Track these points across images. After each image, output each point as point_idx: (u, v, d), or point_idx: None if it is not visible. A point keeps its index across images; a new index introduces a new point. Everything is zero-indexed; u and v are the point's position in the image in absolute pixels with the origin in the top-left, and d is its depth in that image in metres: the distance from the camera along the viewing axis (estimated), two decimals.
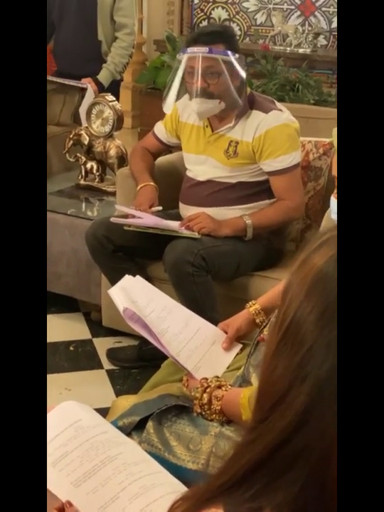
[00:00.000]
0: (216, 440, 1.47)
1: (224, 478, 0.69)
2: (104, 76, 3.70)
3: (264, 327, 1.58)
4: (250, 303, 1.76)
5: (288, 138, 2.44)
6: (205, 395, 1.50)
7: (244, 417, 1.43)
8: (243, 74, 2.46)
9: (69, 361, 2.72)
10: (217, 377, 1.57)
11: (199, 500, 0.73)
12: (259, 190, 2.53)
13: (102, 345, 2.84)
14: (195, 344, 1.70)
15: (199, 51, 2.36)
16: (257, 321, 1.73)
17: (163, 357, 2.21)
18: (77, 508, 1.12)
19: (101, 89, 3.61)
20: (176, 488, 1.22)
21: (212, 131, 2.53)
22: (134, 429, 1.53)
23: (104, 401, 2.48)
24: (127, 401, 1.64)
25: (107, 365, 2.72)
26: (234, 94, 2.42)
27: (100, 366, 2.72)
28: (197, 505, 0.74)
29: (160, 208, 2.57)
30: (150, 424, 1.51)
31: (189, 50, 2.39)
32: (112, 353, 2.77)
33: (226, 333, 1.74)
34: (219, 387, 1.52)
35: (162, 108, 2.65)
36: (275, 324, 0.72)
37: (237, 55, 2.42)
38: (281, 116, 2.46)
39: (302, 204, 2.54)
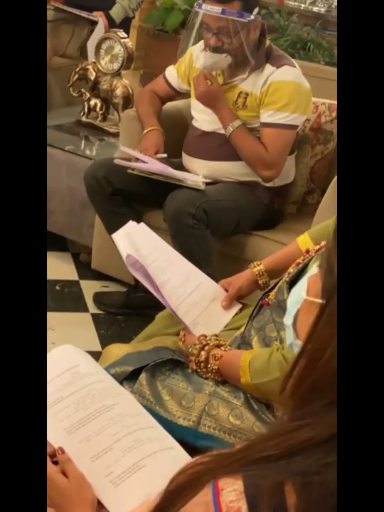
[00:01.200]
0: (210, 399, 1.44)
1: (268, 453, 0.66)
2: (116, 11, 3.57)
3: (270, 291, 1.54)
4: (254, 263, 1.72)
5: (290, 95, 2.37)
6: (202, 353, 1.47)
7: (243, 379, 1.40)
8: (257, 34, 2.37)
9: (54, 300, 2.67)
10: (216, 335, 1.54)
11: (220, 467, 0.70)
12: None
13: (89, 288, 2.79)
14: (195, 299, 1.66)
15: (212, 11, 2.29)
16: (260, 282, 1.69)
17: (151, 306, 2.18)
18: (68, 456, 1.09)
19: (112, 24, 3.49)
20: (170, 445, 1.19)
21: (225, 80, 2.45)
22: (125, 378, 1.50)
23: (87, 344, 2.45)
24: (120, 349, 1.61)
25: (93, 308, 2.68)
26: (246, 52, 2.35)
27: (85, 309, 2.67)
28: (215, 472, 0.71)
29: (165, 155, 2.50)
30: (143, 376, 1.48)
31: (203, 7, 2.32)
32: (98, 297, 2.72)
33: (227, 290, 1.70)
34: (218, 346, 1.49)
35: (168, 51, 2.57)
36: (331, 313, 0.66)
37: (252, 17, 2.32)
38: (291, 73, 2.39)
39: (276, 167, 2.42)
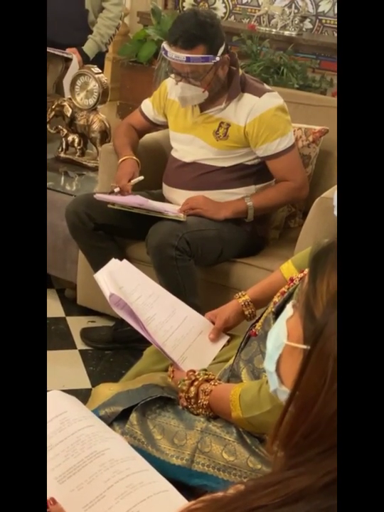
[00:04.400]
0: (202, 436, 1.42)
1: (265, 501, 0.65)
2: (89, 47, 3.59)
3: (257, 322, 1.53)
4: (239, 293, 1.71)
5: (278, 121, 2.39)
6: (192, 389, 1.46)
7: (234, 414, 1.38)
8: (226, 69, 2.37)
9: None
10: (205, 370, 1.52)
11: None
12: (244, 174, 2.47)
13: (76, 324, 2.77)
14: (182, 333, 1.65)
15: (178, 59, 2.29)
16: (246, 312, 1.68)
17: (138, 339, 2.16)
18: (60, 506, 1.07)
19: (86, 60, 3.50)
20: (164, 487, 1.17)
21: (201, 111, 2.46)
22: (116, 419, 1.48)
23: (77, 382, 2.43)
24: (109, 389, 1.59)
25: (80, 345, 2.66)
26: (219, 85, 2.37)
27: (73, 346, 2.65)
28: None
29: (141, 178, 2.49)
30: (133, 416, 1.46)
31: (169, 54, 2.30)
32: (85, 333, 2.70)
33: (213, 323, 1.69)
34: (207, 381, 1.47)
35: (143, 82, 2.59)
36: (316, 359, 0.66)
37: (217, 58, 2.31)
38: (274, 100, 2.41)
39: (306, 183, 2.48)
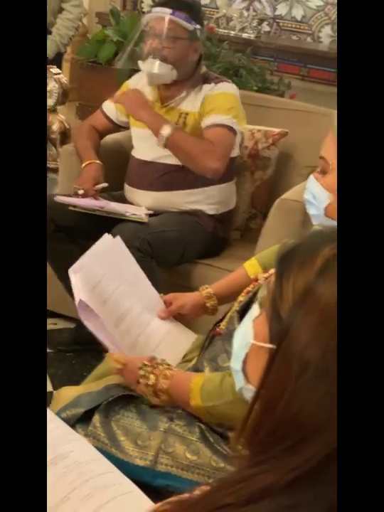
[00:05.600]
0: (165, 436, 1.43)
1: (230, 500, 0.66)
2: (49, 47, 3.57)
3: (221, 321, 1.54)
4: (203, 286, 1.71)
5: (231, 102, 2.43)
6: (152, 376, 1.44)
7: (193, 402, 1.38)
8: (196, 57, 2.43)
9: None
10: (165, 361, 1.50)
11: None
12: None
13: None
14: (153, 329, 1.63)
15: (161, 11, 2.37)
16: (208, 305, 1.68)
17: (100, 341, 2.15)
18: None
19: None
20: (129, 489, 1.17)
21: (162, 103, 2.48)
22: (78, 421, 1.48)
23: None
24: (71, 391, 1.58)
25: None
26: (188, 66, 2.40)
27: None
28: None
29: (105, 184, 2.49)
30: (96, 418, 1.46)
31: (153, 10, 2.41)
32: (47, 336, 2.67)
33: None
34: (168, 368, 1.46)
35: (102, 82, 2.61)
36: (281, 359, 0.67)
37: (198, 27, 2.39)
38: (231, 87, 2.47)
39: (222, 163, 2.36)
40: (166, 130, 2.33)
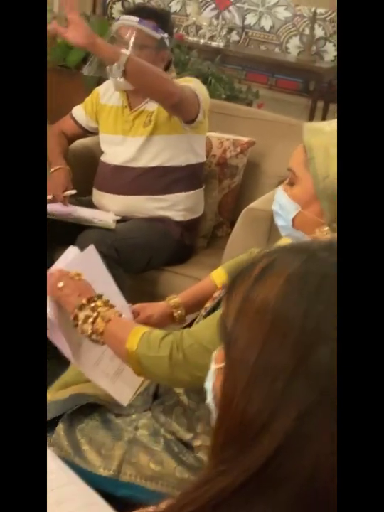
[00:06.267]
0: (129, 446, 1.42)
1: (192, 507, 0.67)
2: None
3: (187, 327, 1.54)
4: (171, 296, 1.71)
5: (195, 83, 2.43)
6: (88, 312, 1.39)
7: (128, 345, 1.34)
8: (163, 65, 2.43)
9: None
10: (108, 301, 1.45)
11: None
12: (176, 178, 2.48)
13: None
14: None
15: (129, 20, 2.38)
16: (175, 314, 1.67)
17: None
18: None
19: None
20: (92, 500, 1.16)
21: (131, 109, 2.48)
22: None
23: None
24: None
25: None
26: None
27: None
28: None
29: (74, 191, 2.48)
30: (60, 426, 1.44)
31: (121, 18, 2.41)
32: None
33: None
34: (108, 308, 1.41)
35: (71, 87, 2.59)
36: (228, 366, 0.71)
37: (165, 35, 2.40)
38: (192, 78, 2.48)
39: (179, 92, 2.26)
40: (124, 53, 2.18)
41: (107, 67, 2.27)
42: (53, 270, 1.50)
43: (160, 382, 1.43)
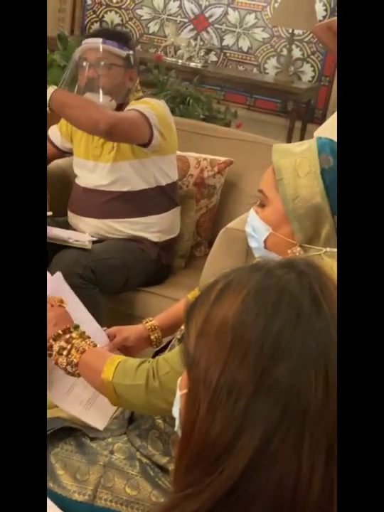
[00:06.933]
0: (105, 470, 1.40)
1: None
2: None
3: (163, 349, 1.53)
4: (147, 319, 1.70)
5: (149, 102, 2.39)
6: (63, 343, 1.39)
7: (104, 375, 1.33)
8: (133, 84, 2.45)
9: None
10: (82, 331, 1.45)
11: None
12: (148, 201, 2.47)
13: None
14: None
15: (93, 41, 2.40)
16: (152, 337, 1.67)
17: None
18: None
19: None
20: None
21: None
22: None
23: None
24: None
25: None
26: (125, 93, 2.40)
27: None
28: None
29: (50, 213, 2.46)
30: None
31: (84, 41, 2.44)
32: None
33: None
34: (82, 339, 1.41)
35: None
36: (190, 388, 0.71)
37: (131, 52, 2.43)
38: (153, 98, 2.47)
39: (108, 116, 2.21)
40: (49, 89, 2.18)
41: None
42: None
43: (137, 410, 1.42)
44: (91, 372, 1.37)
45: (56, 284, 1.62)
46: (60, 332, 1.38)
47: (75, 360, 1.36)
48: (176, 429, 0.78)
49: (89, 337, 1.42)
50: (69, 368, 1.37)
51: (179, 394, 0.77)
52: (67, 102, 2.20)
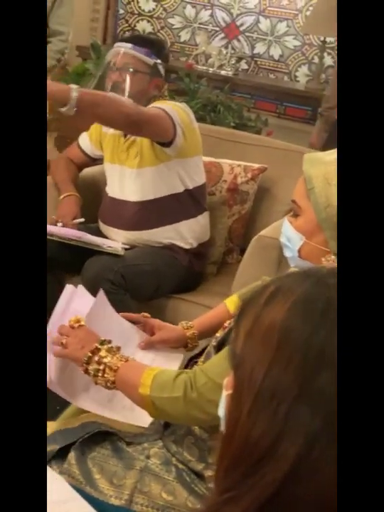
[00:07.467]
0: (141, 475, 1.40)
1: None
2: None
3: (198, 356, 1.53)
4: (186, 324, 1.68)
5: (171, 105, 2.40)
6: (95, 366, 1.38)
7: (141, 390, 1.34)
8: (156, 92, 2.45)
9: None
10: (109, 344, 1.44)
11: None
12: (176, 206, 2.48)
13: None
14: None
15: (122, 46, 2.44)
16: (189, 341, 1.67)
17: None
18: None
19: None
20: None
21: (125, 137, 2.49)
22: (53, 458, 1.44)
23: None
24: (47, 427, 1.54)
25: None
26: (147, 99, 2.42)
27: None
28: None
29: (82, 219, 2.49)
30: (72, 455, 1.43)
31: (116, 45, 2.48)
32: None
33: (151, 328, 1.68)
34: (112, 355, 1.40)
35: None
36: (235, 389, 0.72)
37: (159, 61, 2.43)
38: (172, 103, 2.47)
39: (135, 107, 2.24)
40: (74, 89, 2.10)
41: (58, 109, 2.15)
42: (51, 330, 1.49)
43: (175, 422, 1.42)
44: (128, 388, 1.38)
45: (70, 294, 1.63)
46: (89, 354, 1.39)
47: (111, 378, 1.38)
48: (221, 429, 0.79)
49: (118, 349, 1.42)
50: (109, 385, 1.39)
51: (225, 394, 0.77)
52: (95, 100, 2.16)
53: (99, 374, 1.38)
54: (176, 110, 2.37)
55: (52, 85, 2.08)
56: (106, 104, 2.16)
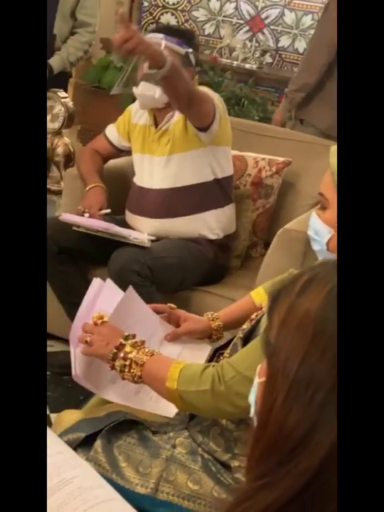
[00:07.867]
0: (167, 464, 1.42)
1: None
2: (55, 61, 3.58)
3: (224, 347, 1.54)
4: (211, 316, 1.69)
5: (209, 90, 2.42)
6: (121, 361, 1.40)
7: (169, 383, 1.35)
8: (193, 75, 2.47)
9: None
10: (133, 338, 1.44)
11: None
12: (204, 195, 2.48)
13: None
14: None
15: (154, 36, 2.40)
16: (214, 332, 1.68)
17: None
18: None
19: (49, 73, 3.50)
20: None
21: (156, 127, 2.51)
22: (79, 445, 1.46)
23: None
24: (72, 415, 1.57)
25: None
26: None
27: None
28: None
29: (108, 210, 2.51)
30: (98, 443, 1.45)
31: (147, 36, 2.43)
32: None
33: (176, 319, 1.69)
34: (137, 349, 1.41)
35: (105, 107, 2.60)
36: (269, 377, 0.72)
37: (190, 50, 2.42)
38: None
39: (199, 93, 2.28)
40: (169, 61, 2.08)
41: (145, 73, 2.15)
42: (77, 325, 1.50)
43: (203, 415, 1.43)
44: (155, 382, 1.39)
45: (98, 288, 1.63)
46: (114, 350, 1.40)
47: (137, 373, 1.39)
48: (251, 415, 0.80)
49: (143, 343, 1.43)
50: (135, 380, 1.40)
51: (257, 381, 0.78)
52: (180, 70, 2.16)
53: (126, 369, 1.40)
54: (216, 97, 2.40)
55: (151, 46, 2.09)
56: (185, 77, 2.19)
